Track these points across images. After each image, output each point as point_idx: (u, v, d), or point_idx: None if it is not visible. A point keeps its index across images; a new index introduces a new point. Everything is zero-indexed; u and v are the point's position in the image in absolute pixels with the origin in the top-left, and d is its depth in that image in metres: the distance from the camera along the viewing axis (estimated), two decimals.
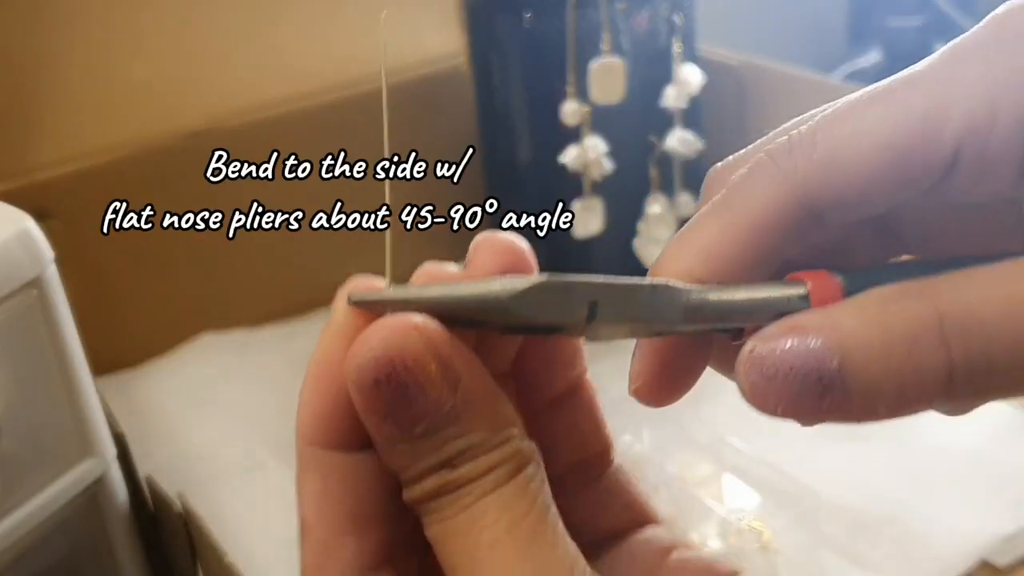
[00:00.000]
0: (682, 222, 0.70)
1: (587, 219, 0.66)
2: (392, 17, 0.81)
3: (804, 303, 0.21)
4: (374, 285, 0.21)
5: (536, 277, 0.20)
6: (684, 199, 0.69)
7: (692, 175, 0.69)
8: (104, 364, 0.66)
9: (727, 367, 0.24)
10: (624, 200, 0.67)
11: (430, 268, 0.22)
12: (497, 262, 0.22)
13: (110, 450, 0.49)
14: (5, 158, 0.65)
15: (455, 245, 0.80)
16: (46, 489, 0.46)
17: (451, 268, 0.22)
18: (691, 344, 0.23)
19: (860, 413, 0.19)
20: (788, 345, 0.19)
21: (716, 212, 0.22)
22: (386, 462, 0.20)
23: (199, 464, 0.62)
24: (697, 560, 0.24)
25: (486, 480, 0.19)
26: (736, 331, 0.22)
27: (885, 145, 0.20)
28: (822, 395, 0.19)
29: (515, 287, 0.20)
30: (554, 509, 0.20)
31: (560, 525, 0.20)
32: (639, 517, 0.25)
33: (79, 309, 0.48)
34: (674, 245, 0.22)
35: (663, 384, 0.23)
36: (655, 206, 0.67)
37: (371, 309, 0.21)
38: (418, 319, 0.19)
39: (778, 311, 0.21)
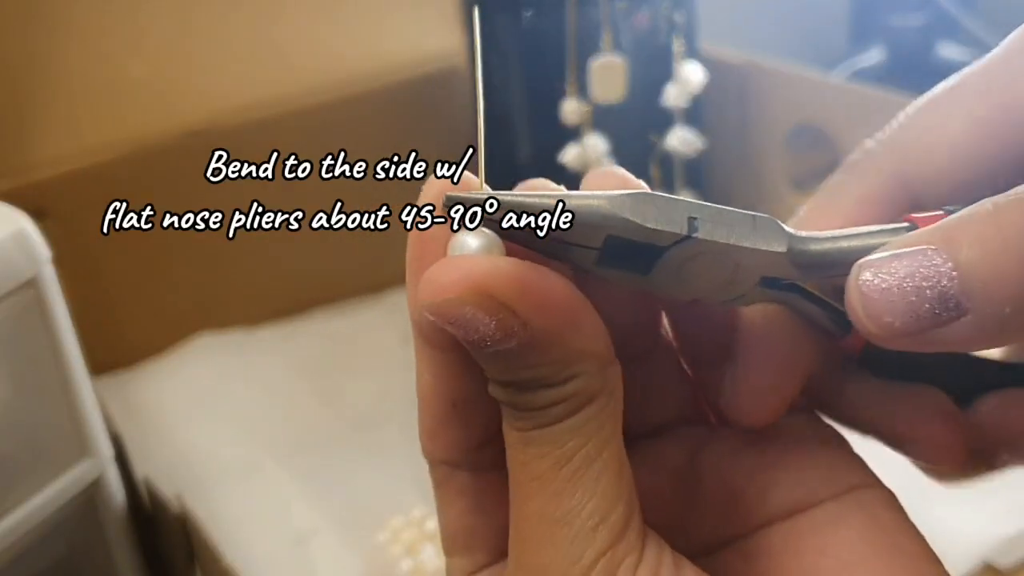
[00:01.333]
0: None
1: None
2: (392, 15, 0.80)
3: None
4: (470, 182, 0.21)
5: (638, 190, 0.20)
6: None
7: (693, 174, 0.69)
8: (101, 364, 0.66)
9: (827, 396, 0.24)
10: None
11: (537, 182, 0.22)
12: (608, 184, 0.21)
13: (107, 451, 0.49)
14: (2, 157, 0.64)
15: None
16: (43, 490, 0.46)
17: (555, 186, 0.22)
18: (787, 360, 0.22)
19: (985, 324, 0.18)
20: (901, 256, 0.18)
21: (817, 200, 0.23)
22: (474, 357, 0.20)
23: (197, 465, 0.61)
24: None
25: (544, 414, 0.20)
26: (843, 321, 0.21)
27: (972, 123, 0.21)
28: (942, 302, 0.18)
29: (617, 194, 0.19)
30: (613, 445, 0.20)
31: (614, 463, 0.20)
32: None
33: (76, 309, 0.47)
34: None
35: (758, 400, 0.23)
36: None
37: (465, 204, 0.20)
38: (479, 271, 0.19)
39: None
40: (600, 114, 0.64)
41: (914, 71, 0.96)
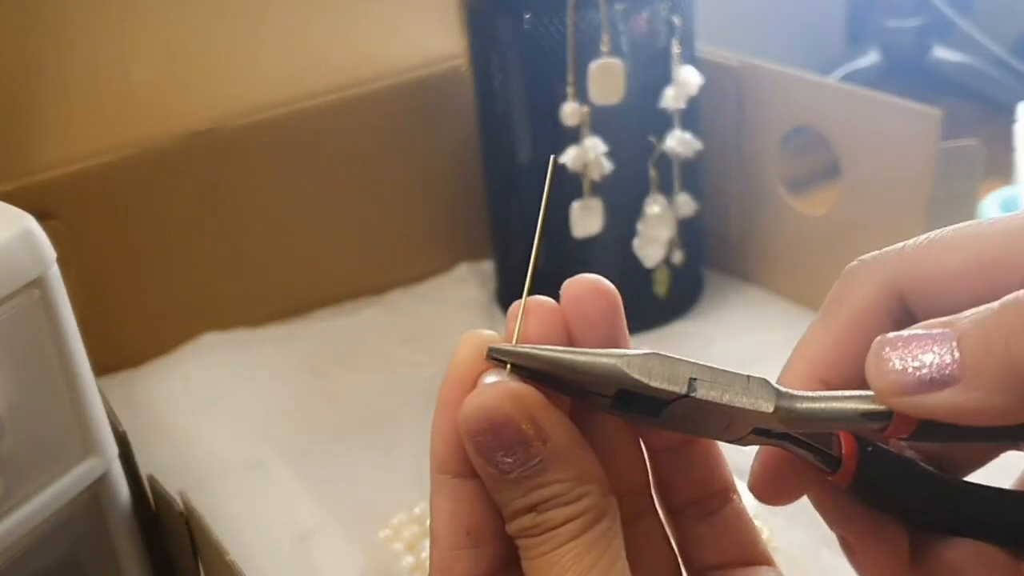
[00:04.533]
0: (681, 222, 0.70)
1: (587, 219, 0.66)
2: (392, 18, 0.81)
3: (888, 415, 0.23)
4: (494, 338, 0.25)
5: (648, 350, 0.24)
6: (683, 199, 0.69)
7: (691, 175, 0.69)
8: (106, 364, 0.66)
9: (823, 505, 0.27)
10: (623, 200, 0.68)
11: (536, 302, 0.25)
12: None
13: (112, 449, 0.49)
14: (7, 159, 0.65)
15: (456, 246, 0.80)
16: (48, 488, 0.46)
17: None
18: (797, 463, 0.26)
19: (971, 395, 0.21)
20: (917, 334, 0.22)
21: (820, 316, 0.26)
22: (492, 496, 0.24)
23: (201, 463, 0.62)
24: None
25: (562, 531, 0.23)
26: (832, 460, 0.25)
27: (969, 261, 0.24)
28: (939, 370, 0.22)
29: (629, 354, 0.23)
30: (621, 562, 0.23)
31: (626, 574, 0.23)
32: (748, 557, 0.28)
33: (81, 309, 0.48)
34: (791, 357, 0.26)
35: (770, 486, 0.26)
36: (654, 206, 0.68)
37: (503, 358, 0.24)
38: (516, 386, 0.23)
39: (865, 418, 0.23)
40: (599, 116, 0.64)
41: (910, 73, 0.96)
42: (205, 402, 0.67)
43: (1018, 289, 0.23)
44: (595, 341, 0.25)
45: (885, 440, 0.27)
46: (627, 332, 0.26)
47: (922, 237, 0.26)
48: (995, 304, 0.22)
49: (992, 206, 0.65)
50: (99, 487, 0.49)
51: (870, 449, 0.25)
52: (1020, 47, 0.99)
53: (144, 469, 0.54)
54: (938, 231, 0.25)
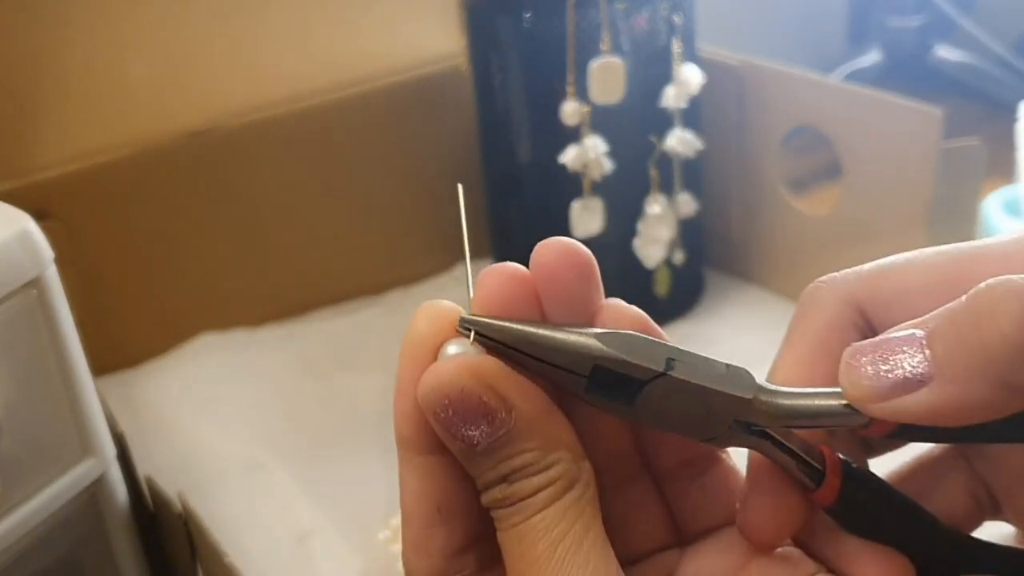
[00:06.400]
0: (682, 222, 0.70)
1: (587, 219, 0.66)
2: (393, 17, 0.81)
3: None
4: (454, 309, 0.24)
5: (626, 331, 0.23)
6: (684, 199, 0.69)
7: (692, 175, 0.69)
8: (104, 364, 0.66)
9: (812, 539, 0.26)
10: (624, 200, 0.67)
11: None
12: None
13: (110, 450, 0.49)
14: (5, 158, 0.65)
15: (456, 246, 0.80)
16: (46, 489, 0.46)
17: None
18: (785, 488, 0.25)
19: (946, 392, 0.21)
20: (887, 338, 0.22)
21: (786, 339, 0.26)
22: (465, 468, 0.23)
23: (199, 464, 0.62)
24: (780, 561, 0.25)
25: (534, 500, 0.22)
26: (815, 474, 0.24)
27: (929, 270, 0.24)
28: (911, 369, 0.21)
29: (607, 332, 0.23)
30: (596, 528, 0.23)
31: (599, 543, 0.23)
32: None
33: (79, 309, 0.48)
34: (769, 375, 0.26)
35: (764, 523, 0.25)
36: (655, 206, 0.68)
37: (476, 328, 0.23)
38: (474, 358, 0.22)
39: (850, 411, 0.22)
40: (600, 115, 0.64)
41: (912, 72, 0.96)
42: (204, 403, 0.67)
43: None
44: (567, 313, 0.24)
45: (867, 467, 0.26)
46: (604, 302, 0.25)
47: (880, 260, 0.26)
48: (962, 297, 0.21)
49: (994, 205, 0.65)
50: (97, 488, 0.49)
51: (854, 466, 0.25)
52: (1022, 46, 0.99)
53: (142, 470, 0.54)
54: (895, 256, 0.25)
